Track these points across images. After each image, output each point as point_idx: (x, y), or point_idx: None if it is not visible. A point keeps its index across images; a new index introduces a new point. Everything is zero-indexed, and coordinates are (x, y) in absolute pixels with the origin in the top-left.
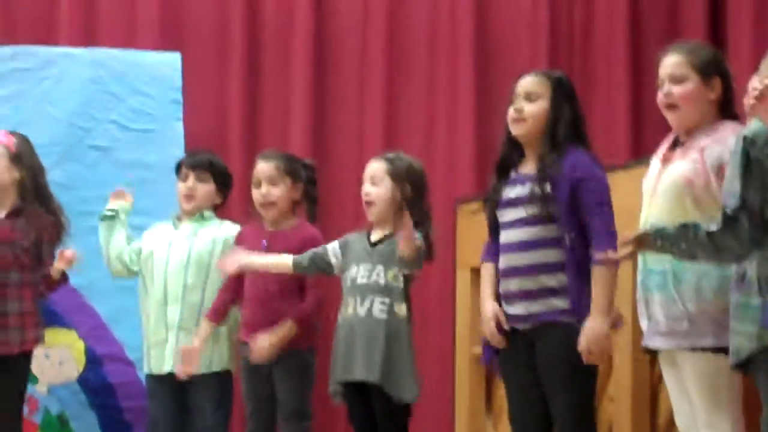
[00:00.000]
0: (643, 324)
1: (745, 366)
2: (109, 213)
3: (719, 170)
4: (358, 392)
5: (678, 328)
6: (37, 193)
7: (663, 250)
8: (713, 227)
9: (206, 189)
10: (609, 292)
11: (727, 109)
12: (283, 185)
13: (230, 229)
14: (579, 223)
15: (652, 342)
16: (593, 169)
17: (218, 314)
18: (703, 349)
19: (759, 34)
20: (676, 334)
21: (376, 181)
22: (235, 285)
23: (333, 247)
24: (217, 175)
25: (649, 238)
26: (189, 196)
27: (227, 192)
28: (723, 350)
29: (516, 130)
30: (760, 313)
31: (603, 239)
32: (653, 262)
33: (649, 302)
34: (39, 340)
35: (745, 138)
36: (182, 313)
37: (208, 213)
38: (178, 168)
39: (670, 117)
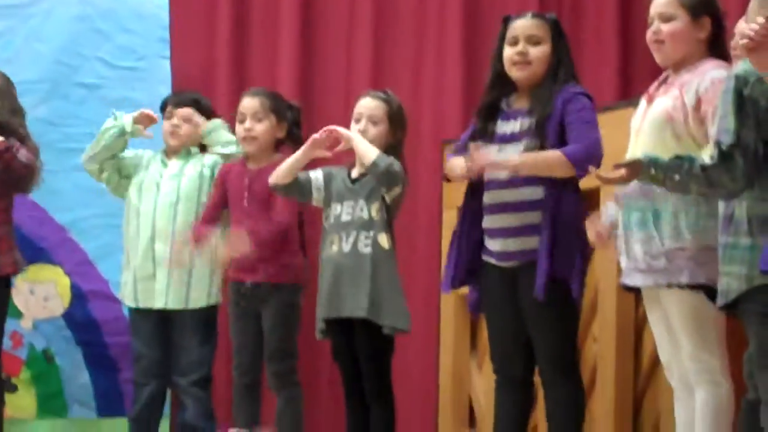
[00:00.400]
0: (623, 262)
1: (732, 306)
2: (129, 129)
3: (697, 104)
4: (344, 329)
5: (656, 264)
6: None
7: (655, 180)
8: (708, 161)
9: (190, 128)
10: (541, 167)
11: (718, 48)
12: (267, 122)
13: (213, 156)
14: None
15: (631, 279)
16: (580, 95)
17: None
18: (680, 286)
19: None
20: (653, 271)
21: (375, 120)
22: (216, 214)
23: (317, 178)
24: (203, 114)
25: (642, 165)
26: (173, 134)
27: None
28: (700, 287)
29: (518, 72)
30: (749, 253)
31: (574, 149)
32: (634, 199)
33: (629, 240)
34: (18, 265)
35: (737, 77)
36: (172, 249)
37: (194, 149)
38: (163, 106)
39: (657, 54)
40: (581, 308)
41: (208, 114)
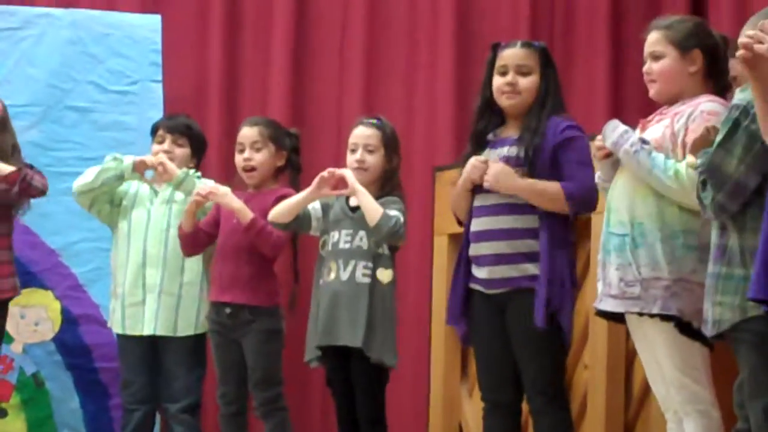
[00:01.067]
0: (599, 287)
1: (719, 335)
2: (128, 176)
3: (685, 133)
4: (338, 357)
5: (630, 292)
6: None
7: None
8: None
9: (182, 152)
10: (537, 196)
11: (714, 78)
12: (266, 151)
13: (206, 182)
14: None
15: (603, 304)
16: (575, 130)
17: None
18: (651, 315)
19: (739, 7)
20: (627, 297)
21: (371, 149)
22: (209, 230)
23: (314, 209)
24: (194, 139)
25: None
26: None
27: (202, 156)
28: (670, 318)
29: (507, 102)
30: (743, 283)
31: (572, 187)
32: (616, 225)
33: (606, 265)
34: (16, 291)
35: (737, 107)
36: (163, 276)
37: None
38: (154, 130)
39: (651, 92)
40: (571, 337)
41: (199, 138)
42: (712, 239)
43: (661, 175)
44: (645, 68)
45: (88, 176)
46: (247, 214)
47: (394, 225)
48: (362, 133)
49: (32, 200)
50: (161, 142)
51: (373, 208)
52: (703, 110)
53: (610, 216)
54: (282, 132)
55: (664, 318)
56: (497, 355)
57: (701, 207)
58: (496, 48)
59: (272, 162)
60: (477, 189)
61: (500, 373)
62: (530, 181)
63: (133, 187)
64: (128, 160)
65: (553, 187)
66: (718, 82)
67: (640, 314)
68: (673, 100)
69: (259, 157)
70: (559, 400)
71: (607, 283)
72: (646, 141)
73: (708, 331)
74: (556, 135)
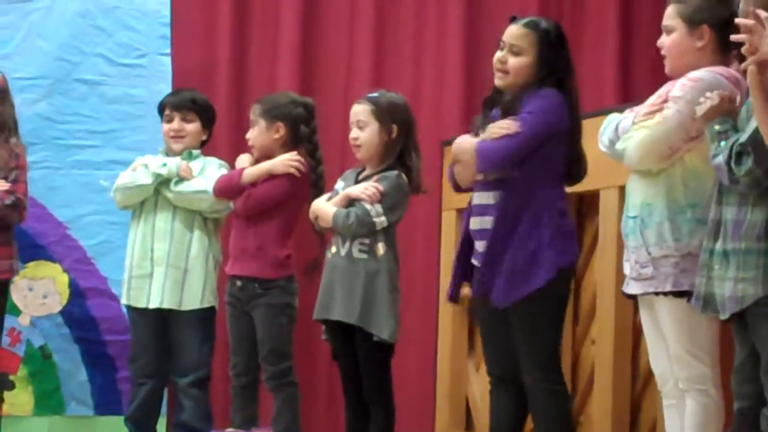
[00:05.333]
0: (626, 270)
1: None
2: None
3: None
4: (342, 331)
5: (644, 273)
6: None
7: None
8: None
9: (193, 128)
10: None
11: (726, 53)
12: (257, 128)
13: (214, 163)
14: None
15: (627, 288)
16: (543, 97)
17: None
18: (665, 294)
19: None
20: (642, 279)
21: (362, 125)
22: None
23: (337, 189)
24: (202, 112)
25: None
26: (177, 138)
27: (212, 126)
28: (683, 294)
29: (498, 81)
30: (764, 257)
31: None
32: (630, 208)
33: (628, 248)
34: (13, 271)
35: None
36: (170, 249)
37: (196, 152)
38: (161, 109)
39: (666, 67)
40: (567, 290)
41: (207, 110)
42: (727, 216)
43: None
44: (658, 42)
45: (142, 179)
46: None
47: (346, 220)
48: (354, 111)
49: (40, 173)
50: (170, 121)
51: (324, 215)
52: (687, 76)
53: (628, 200)
54: (278, 104)
55: (677, 295)
56: (499, 329)
57: (728, 176)
58: (513, 21)
59: (267, 136)
60: None
61: (503, 348)
62: (462, 139)
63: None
64: (171, 164)
65: (471, 142)
66: (728, 58)
67: (656, 293)
68: (683, 75)
69: (253, 134)
70: (554, 375)
71: (630, 266)
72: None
73: (726, 310)
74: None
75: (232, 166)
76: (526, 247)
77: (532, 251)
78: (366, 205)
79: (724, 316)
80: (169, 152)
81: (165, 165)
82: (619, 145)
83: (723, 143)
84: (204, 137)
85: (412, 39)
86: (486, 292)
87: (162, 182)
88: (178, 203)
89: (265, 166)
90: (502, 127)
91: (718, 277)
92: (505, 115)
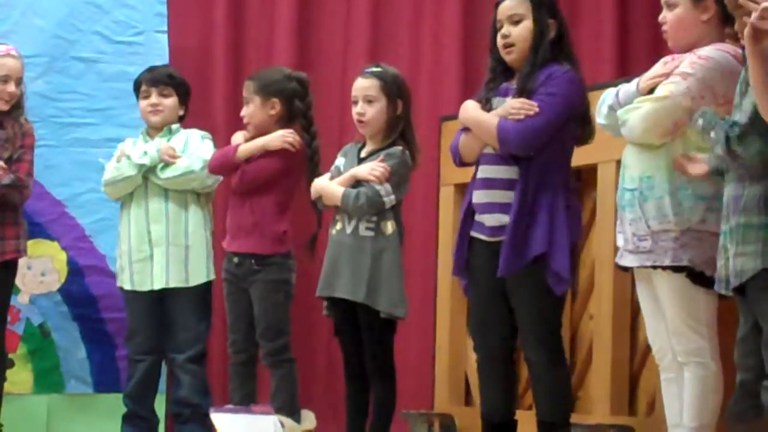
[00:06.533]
0: (619, 242)
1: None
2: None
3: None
4: (346, 307)
5: (642, 246)
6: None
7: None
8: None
9: (170, 102)
10: (476, 128)
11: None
12: (252, 105)
13: (195, 135)
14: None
15: (622, 260)
16: (561, 75)
17: None
18: (663, 268)
19: None
20: (640, 252)
21: (370, 99)
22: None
23: (337, 166)
24: (178, 87)
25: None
26: (155, 111)
27: (188, 101)
28: (682, 269)
29: (508, 57)
30: (763, 231)
31: (510, 126)
32: (628, 180)
33: (623, 221)
34: (20, 251)
35: None
36: (168, 229)
37: (175, 127)
38: (137, 86)
39: (668, 40)
40: (572, 282)
41: (183, 85)
42: (729, 192)
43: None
44: (660, 17)
45: (127, 170)
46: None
47: (357, 200)
48: (360, 85)
49: (37, 152)
50: (147, 97)
51: (331, 195)
52: (696, 53)
53: (625, 172)
54: (272, 80)
55: (676, 269)
56: (491, 302)
57: (734, 161)
58: (497, 6)
59: (263, 112)
60: None
61: (493, 322)
62: (478, 112)
63: (128, 144)
64: (152, 151)
65: (490, 120)
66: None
67: (654, 267)
68: (688, 49)
69: (248, 111)
70: (557, 351)
71: (624, 238)
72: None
73: (727, 285)
74: (544, 84)
75: (229, 142)
76: (545, 229)
77: (551, 232)
78: (375, 185)
79: (728, 292)
80: (149, 129)
81: (146, 153)
82: (620, 113)
83: (713, 134)
84: (181, 112)
85: (409, 13)
86: (511, 270)
87: (148, 169)
88: (169, 187)
89: (260, 141)
90: (524, 107)
91: (728, 257)
92: (521, 91)
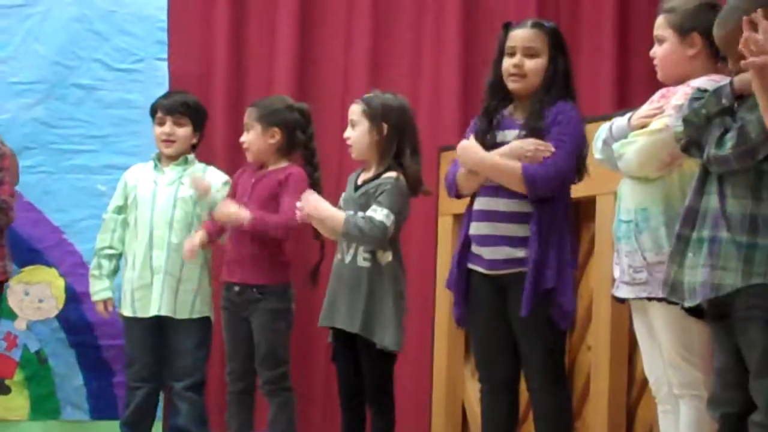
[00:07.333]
0: (616, 273)
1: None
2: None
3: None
4: (344, 336)
5: (638, 277)
6: None
7: None
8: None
9: (184, 132)
10: (497, 174)
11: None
12: (253, 132)
13: (215, 176)
14: None
15: (618, 291)
16: (571, 113)
17: (214, 225)
18: (659, 299)
19: None
20: (636, 283)
21: (353, 124)
22: None
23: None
24: (193, 115)
25: None
26: (168, 141)
27: (203, 128)
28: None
29: (513, 84)
30: (745, 250)
31: (534, 169)
32: (623, 212)
33: (619, 252)
34: (7, 274)
35: None
36: (168, 257)
37: (191, 157)
38: (153, 112)
39: (659, 75)
40: (574, 317)
41: (199, 112)
42: (710, 204)
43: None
44: (651, 52)
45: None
46: (246, 219)
47: (363, 228)
48: (350, 110)
49: (36, 178)
50: (162, 124)
51: (333, 220)
52: (690, 84)
53: (621, 204)
54: (274, 110)
55: (671, 301)
56: (495, 335)
57: (687, 144)
58: (507, 28)
59: (263, 141)
60: None
61: (497, 353)
62: (492, 156)
63: (136, 171)
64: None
65: (513, 166)
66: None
67: (649, 299)
68: (679, 83)
69: (248, 138)
70: (560, 381)
71: (621, 270)
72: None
73: (696, 296)
74: (554, 122)
75: (229, 171)
76: (555, 265)
77: (560, 267)
78: (379, 213)
79: (689, 303)
80: (161, 156)
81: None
82: (616, 146)
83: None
84: (194, 140)
85: (409, 44)
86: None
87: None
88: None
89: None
90: (539, 149)
91: (690, 265)
92: (531, 128)
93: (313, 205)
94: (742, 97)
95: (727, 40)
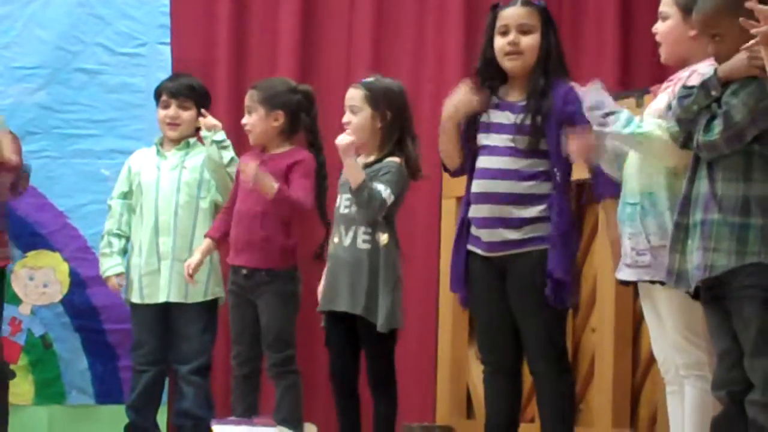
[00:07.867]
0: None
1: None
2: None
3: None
4: (340, 319)
5: (641, 260)
6: None
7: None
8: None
9: (189, 115)
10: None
11: None
12: (255, 114)
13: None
14: (567, 158)
15: (620, 274)
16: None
17: (218, 231)
18: (662, 283)
19: None
20: (639, 266)
21: (354, 110)
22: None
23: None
24: (199, 98)
25: None
26: (173, 125)
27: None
28: None
29: (510, 63)
30: (738, 231)
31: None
32: (629, 195)
33: (623, 234)
34: (9, 259)
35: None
36: (175, 243)
37: (193, 141)
38: (158, 94)
39: (661, 55)
40: (577, 298)
41: (204, 96)
42: (701, 189)
43: (629, 133)
44: (653, 27)
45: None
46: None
47: (372, 194)
48: (348, 95)
49: (40, 163)
50: (166, 107)
51: (357, 170)
52: (700, 72)
53: (626, 186)
54: (277, 92)
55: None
56: (497, 317)
57: (686, 140)
58: (495, 9)
59: (266, 123)
60: (482, 148)
61: (500, 335)
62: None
63: (139, 157)
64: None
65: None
66: None
67: (652, 282)
68: (681, 65)
69: (251, 120)
70: (562, 363)
71: (623, 252)
72: (611, 112)
73: (693, 279)
74: (565, 106)
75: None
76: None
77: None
78: (381, 190)
79: (679, 287)
80: (164, 139)
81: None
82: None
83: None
84: (198, 124)
85: (411, 31)
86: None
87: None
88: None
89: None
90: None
91: (690, 252)
92: (537, 109)
93: (346, 144)
94: (726, 83)
95: (705, 22)
